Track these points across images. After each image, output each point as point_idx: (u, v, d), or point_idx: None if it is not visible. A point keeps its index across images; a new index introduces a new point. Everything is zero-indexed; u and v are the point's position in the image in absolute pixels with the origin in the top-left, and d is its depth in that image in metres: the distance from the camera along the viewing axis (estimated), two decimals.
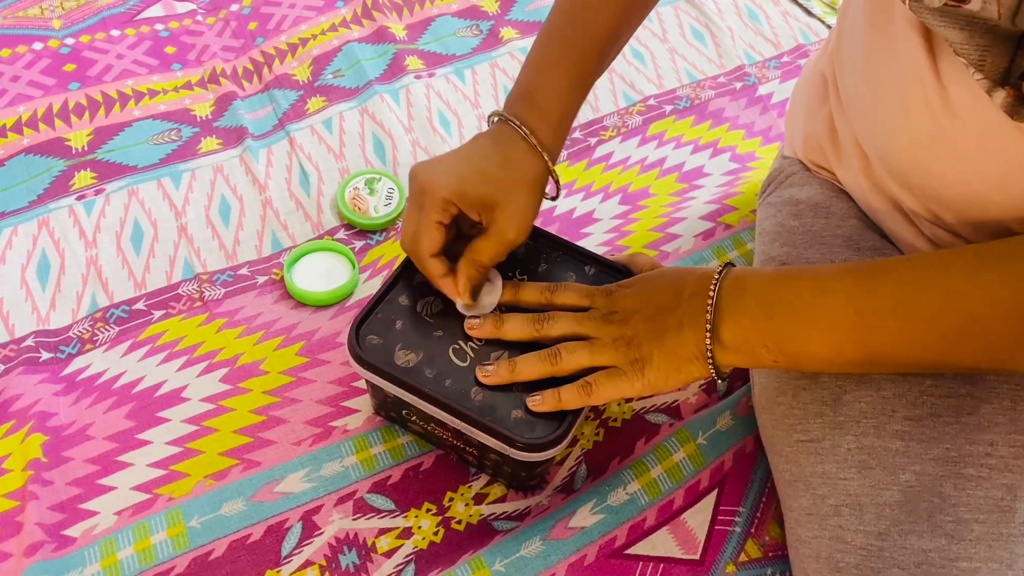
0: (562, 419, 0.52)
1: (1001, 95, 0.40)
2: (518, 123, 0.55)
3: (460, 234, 0.58)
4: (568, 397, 0.51)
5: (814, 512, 0.50)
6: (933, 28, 0.42)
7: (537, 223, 0.62)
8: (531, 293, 0.56)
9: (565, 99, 0.57)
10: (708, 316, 0.48)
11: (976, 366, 0.47)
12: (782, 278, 0.49)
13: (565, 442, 0.52)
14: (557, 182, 0.58)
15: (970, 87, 0.42)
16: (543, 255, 0.61)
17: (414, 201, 0.54)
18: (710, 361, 0.49)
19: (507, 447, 0.51)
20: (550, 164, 0.56)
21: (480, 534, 0.58)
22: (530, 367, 0.52)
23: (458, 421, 0.52)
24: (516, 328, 0.54)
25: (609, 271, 0.60)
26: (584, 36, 0.56)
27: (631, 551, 0.56)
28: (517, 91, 0.57)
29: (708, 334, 0.48)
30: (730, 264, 0.51)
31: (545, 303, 0.56)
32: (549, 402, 0.51)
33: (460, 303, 0.56)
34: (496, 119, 0.57)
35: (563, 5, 0.58)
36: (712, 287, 0.49)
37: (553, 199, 0.60)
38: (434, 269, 0.55)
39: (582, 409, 0.53)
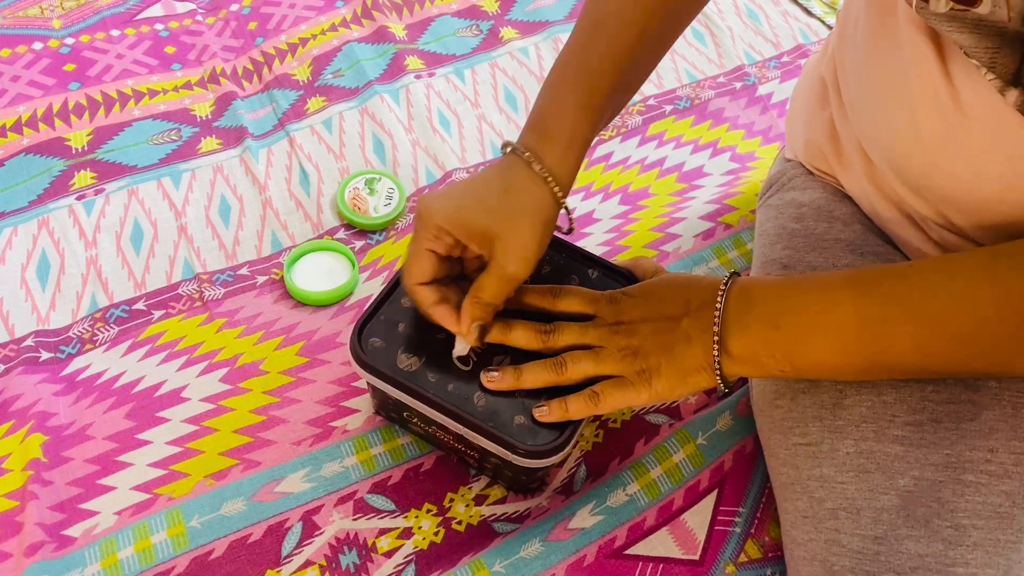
0: (564, 426, 0.52)
1: (1014, 94, 0.40)
2: (523, 150, 0.52)
3: (463, 276, 0.56)
4: (575, 407, 0.51)
5: (810, 515, 0.50)
6: (941, 31, 0.42)
7: None
8: (534, 296, 0.56)
9: (574, 122, 0.53)
10: (716, 328, 0.48)
11: (984, 370, 0.47)
12: (788, 288, 0.49)
13: (567, 449, 0.52)
14: (569, 213, 0.55)
15: (981, 86, 0.42)
16: (546, 257, 0.61)
17: (414, 228, 0.53)
18: (717, 372, 0.49)
19: (509, 453, 0.51)
20: (558, 193, 0.52)
21: (480, 535, 0.58)
22: (535, 376, 0.52)
23: (460, 426, 0.52)
24: (521, 337, 0.54)
25: (613, 275, 0.60)
26: (597, 58, 0.54)
27: (631, 551, 0.56)
28: (529, 119, 0.55)
29: (716, 346, 0.48)
30: (735, 274, 0.51)
31: (548, 308, 0.55)
32: (556, 412, 0.51)
33: (457, 346, 0.54)
34: (508, 149, 0.54)
35: (578, 29, 0.56)
36: (719, 298, 0.49)
37: (567, 232, 0.57)
38: (422, 297, 0.53)
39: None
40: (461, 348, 0.54)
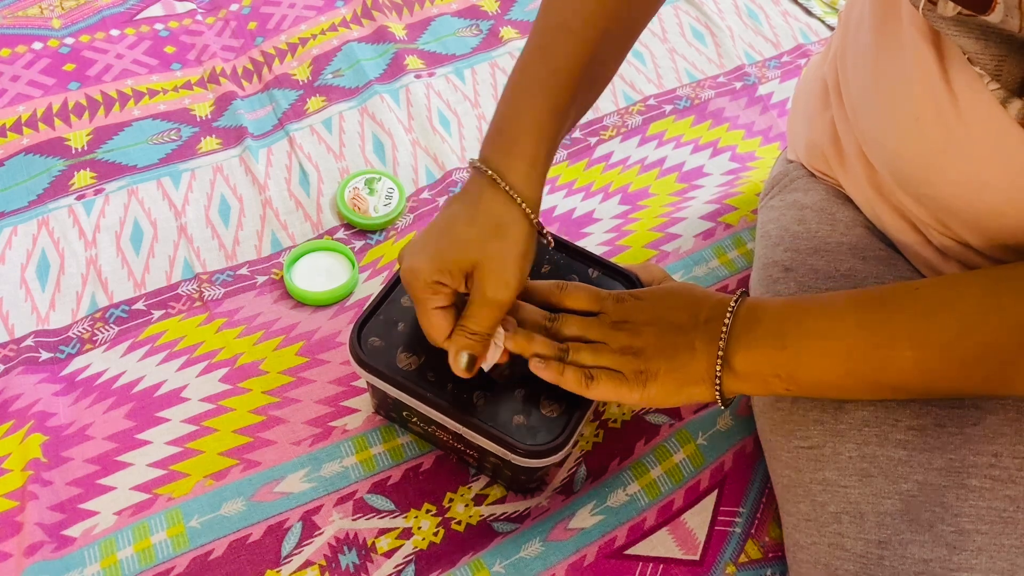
0: (563, 426, 0.52)
1: (1017, 106, 0.40)
2: (486, 168, 0.50)
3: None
4: (570, 377, 0.50)
5: (813, 518, 0.50)
6: (947, 36, 0.41)
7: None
8: (540, 290, 0.55)
9: (539, 132, 0.51)
10: (721, 343, 0.48)
11: (992, 392, 0.47)
12: (794, 308, 0.49)
13: (566, 449, 0.52)
14: (541, 231, 0.53)
15: (982, 96, 0.42)
16: (547, 256, 0.61)
17: (408, 291, 0.51)
18: (718, 387, 0.49)
19: (508, 453, 0.51)
20: (526, 210, 0.50)
21: (480, 535, 0.58)
22: (540, 347, 0.52)
23: (459, 426, 0.52)
24: (528, 317, 0.53)
25: (613, 274, 0.60)
26: (562, 59, 0.52)
27: (631, 551, 0.56)
28: (492, 130, 0.52)
29: (720, 360, 0.48)
30: (745, 292, 0.51)
31: (554, 302, 0.55)
32: (551, 372, 0.50)
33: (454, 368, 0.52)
34: (472, 167, 0.52)
35: (538, 31, 0.54)
36: (727, 315, 0.49)
37: (548, 245, 0.56)
38: (461, 344, 0.51)
39: (584, 416, 0.53)
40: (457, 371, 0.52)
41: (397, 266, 0.60)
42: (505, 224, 0.50)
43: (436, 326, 0.51)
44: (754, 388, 0.50)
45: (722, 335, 0.48)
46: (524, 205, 0.50)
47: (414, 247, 0.51)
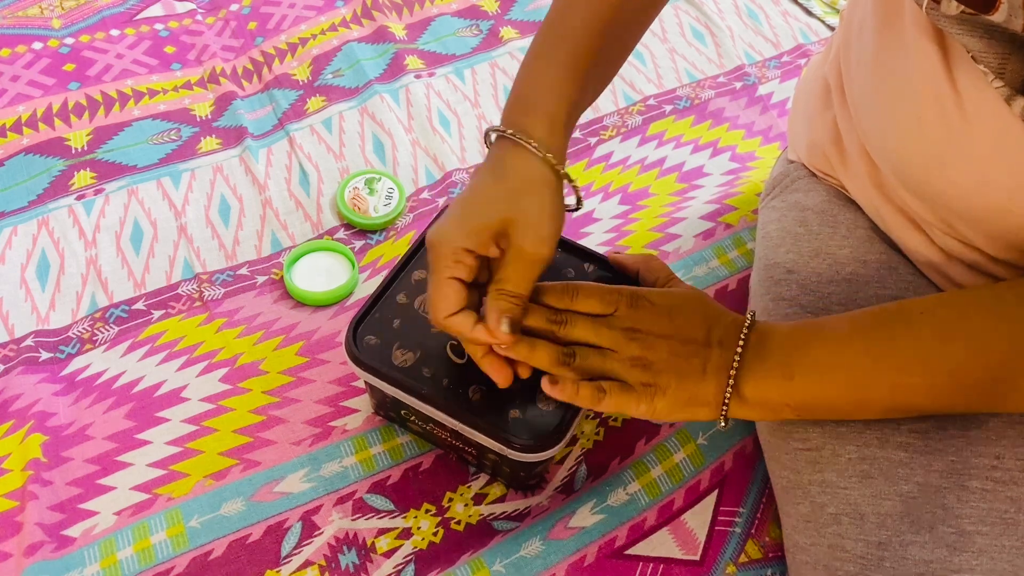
0: (560, 420, 0.52)
1: (1021, 103, 0.40)
2: (511, 131, 0.49)
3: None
4: (584, 394, 0.49)
5: (812, 519, 0.50)
6: (951, 35, 0.41)
7: None
8: (551, 295, 0.52)
9: (558, 92, 0.50)
10: (733, 371, 0.48)
11: (1004, 410, 0.47)
12: (801, 335, 0.49)
13: (563, 442, 0.52)
14: (572, 183, 0.51)
15: (986, 94, 0.42)
16: None
17: (430, 263, 0.49)
18: (724, 411, 0.48)
19: (504, 448, 0.51)
20: (554, 163, 0.49)
21: (480, 534, 0.58)
22: (545, 355, 0.50)
23: (455, 422, 0.52)
24: (535, 319, 0.51)
25: (607, 269, 0.60)
26: (579, 23, 0.51)
27: (631, 551, 0.56)
28: (510, 98, 0.52)
29: (729, 388, 0.48)
30: (754, 316, 0.50)
31: (567, 308, 0.52)
32: (567, 392, 0.49)
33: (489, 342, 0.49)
34: (494, 136, 0.51)
35: (553, 6, 0.54)
36: (740, 341, 0.48)
37: (575, 209, 0.54)
38: (460, 326, 0.48)
39: (580, 410, 0.53)
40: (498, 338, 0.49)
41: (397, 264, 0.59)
42: (534, 179, 0.48)
43: (446, 297, 0.48)
44: (763, 415, 0.50)
45: (734, 363, 0.48)
46: (550, 157, 0.49)
47: (441, 221, 0.49)
